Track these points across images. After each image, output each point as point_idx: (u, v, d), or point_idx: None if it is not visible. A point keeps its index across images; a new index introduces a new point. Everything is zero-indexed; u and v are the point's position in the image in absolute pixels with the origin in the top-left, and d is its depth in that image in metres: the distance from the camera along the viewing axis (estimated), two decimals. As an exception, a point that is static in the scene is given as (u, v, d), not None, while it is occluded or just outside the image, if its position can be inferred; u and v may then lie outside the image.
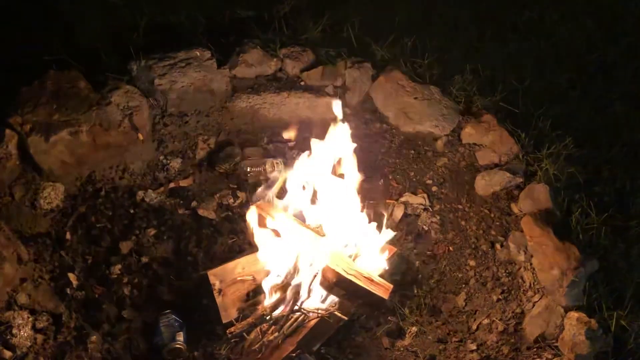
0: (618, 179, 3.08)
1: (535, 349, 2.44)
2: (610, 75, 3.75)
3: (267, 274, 2.55)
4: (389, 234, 2.70)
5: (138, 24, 3.37)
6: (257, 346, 2.41)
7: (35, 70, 2.95)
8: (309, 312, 2.48)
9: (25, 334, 2.26)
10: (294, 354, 2.41)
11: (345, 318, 2.55)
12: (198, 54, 3.23)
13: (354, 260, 2.58)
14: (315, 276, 2.43)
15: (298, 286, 2.45)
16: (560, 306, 2.46)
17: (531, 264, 2.64)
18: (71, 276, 2.57)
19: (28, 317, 2.32)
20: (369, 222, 2.73)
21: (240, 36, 3.46)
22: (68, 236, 2.71)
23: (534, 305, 2.56)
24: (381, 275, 2.56)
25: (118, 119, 2.92)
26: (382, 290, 2.44)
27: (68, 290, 2.52)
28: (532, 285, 2.61)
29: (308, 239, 2.52)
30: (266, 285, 2.52)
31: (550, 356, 2.38)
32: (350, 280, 2.40)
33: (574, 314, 2.38)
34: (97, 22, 3.44)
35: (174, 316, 2.46)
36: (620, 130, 3.36)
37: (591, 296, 2.45)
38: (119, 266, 2.66)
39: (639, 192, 3.00)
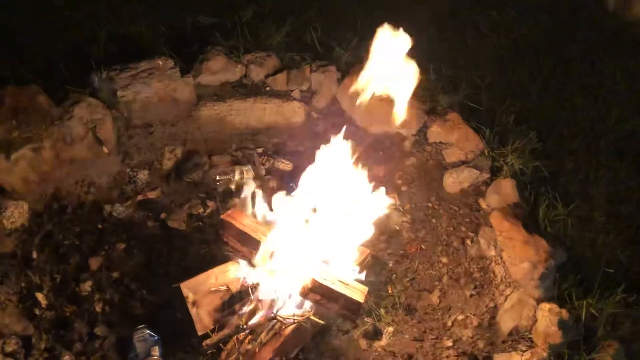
0: (581, 169, 3.16)
1: (510, 342, 2.48)
2: (569, 69, 3.84)
3: (241, 283, 2.53)
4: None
5: (98, 35, 3.32)
6: (234, 357, 2.39)
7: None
8: (285, 319, 2.47)
9: (-7, 359, 2.21)
10: (272, 362, 2.40)
11: (322, 322, 2.55)
12: (160, 63, 3.19)
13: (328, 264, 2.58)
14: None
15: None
16: (532, 298, 2.50)
17: (502, 258, 2.68)
18: (39, 296, 2.52)
19: (-4, 342, 2.26)
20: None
21: (203, 44, 3.44)
22: (34, 255, 2.65)
23: (506, 299, 2.60)
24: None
25: (81, 133, 2.86)
26: (358, 293, 2.45)
27: (37, 311, 2.47)
28: (503, 279, 2.65)
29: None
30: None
31: (524, 348, 2.42)
32: (326, 285, 2.39)
33: (545, 305, 2.43)
34: (56, 35, 3.38)
35: (148, 331, 2.42)
36: (581, 122, 3.44)
37: (561, 287, 2.50)
38: (90, 283, 2.61)
39: (602, 182, 3.08)
